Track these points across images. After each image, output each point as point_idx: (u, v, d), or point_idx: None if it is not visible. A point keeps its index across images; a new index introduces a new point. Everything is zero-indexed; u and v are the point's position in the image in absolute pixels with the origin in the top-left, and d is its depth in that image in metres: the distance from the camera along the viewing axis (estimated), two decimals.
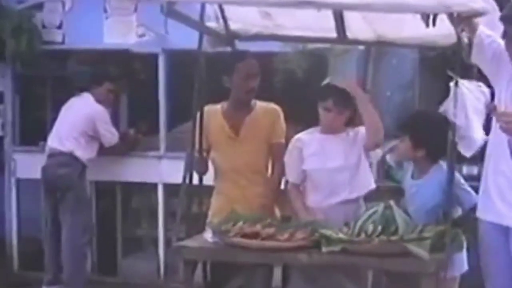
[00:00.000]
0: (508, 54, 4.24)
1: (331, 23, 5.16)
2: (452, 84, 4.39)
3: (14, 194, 7.95)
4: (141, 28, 7.43)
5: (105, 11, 7.55)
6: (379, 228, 4.35)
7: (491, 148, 4.38)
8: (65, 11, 7.69)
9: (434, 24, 4.15)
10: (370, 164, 5.30)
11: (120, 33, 7.52)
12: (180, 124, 7.28)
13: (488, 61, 4.30)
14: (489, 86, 4.50)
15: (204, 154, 5.19)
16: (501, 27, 4.24)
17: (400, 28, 5.07)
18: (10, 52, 7.55)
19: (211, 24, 5.28)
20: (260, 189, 5.15)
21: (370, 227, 4.36)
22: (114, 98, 7.47)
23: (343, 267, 4.56)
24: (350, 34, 5.32)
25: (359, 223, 4.44)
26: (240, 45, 5.49)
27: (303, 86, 6.77)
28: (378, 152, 5.54)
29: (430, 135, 4.69)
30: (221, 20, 5.30)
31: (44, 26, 7.73)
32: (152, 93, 7.50)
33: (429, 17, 4.16)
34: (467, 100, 4.44)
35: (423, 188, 4.76)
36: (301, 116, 5.37)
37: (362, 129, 4.95)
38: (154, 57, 7.46)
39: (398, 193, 5.05)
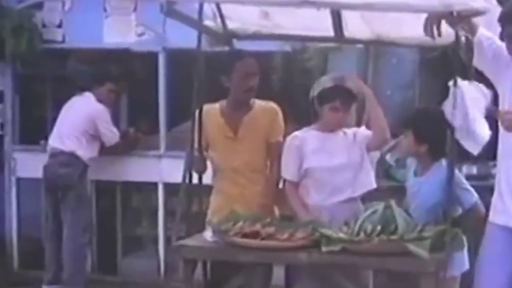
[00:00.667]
0: (509, 53, 4.23)
1: (329, 22, 5.15)
2: (451, 84, 4.38)
3: (14, 193, 7.95)
4: (141, 27, 7.44)
5: (105, 10, 7.56)
6: (379, 227, 4.34)
7: (502, 150, 4.36)
8: (65, 10, 7.70)
9: (439, 35, 4.14)
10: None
11: (120, 32, 7.53)
12: (180, 123, 7.27)
13: (489, 62, 4.29)
14: (489, 86, 4.49)
15: (204, 153, 5.18)
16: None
17: (398, 27, 5.07)
18: (10, 51, 7.56)
19: (209, 23, 5.27)
20: (259, 188, 5.14)
21: (370, 227, 4.36)
22: (115, 97, 7.48)
23: (342, 266, 4.56)
24: (347, 33, 5.32)
25: (359, 222, 4.43)
26: (238, 44, 5.49)
27: (303, 86, 6.76)
28: (376, 152, 5.54)
29: (432, 130, 4.69)
30: (218, 19, 5.30)
31: (44, 25, 7.73)
32: (152, 93, 7.50)
33: (432, 29, 4.15)
34: (468, 100, 4.42)
35: (424, 185, 4.75)
36: (300, 115, 5.37)
37: (360, 130, 4.99)
38: (154, 55, 7.46)
39: (397, 192, 5.04)
